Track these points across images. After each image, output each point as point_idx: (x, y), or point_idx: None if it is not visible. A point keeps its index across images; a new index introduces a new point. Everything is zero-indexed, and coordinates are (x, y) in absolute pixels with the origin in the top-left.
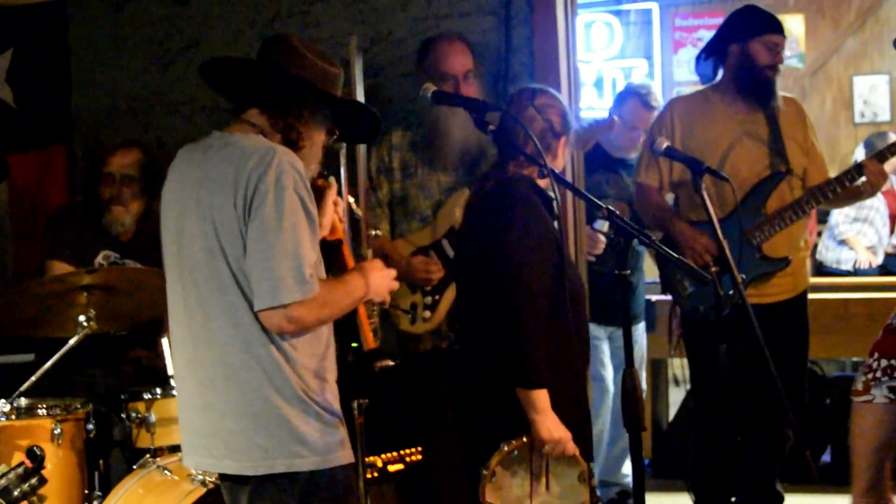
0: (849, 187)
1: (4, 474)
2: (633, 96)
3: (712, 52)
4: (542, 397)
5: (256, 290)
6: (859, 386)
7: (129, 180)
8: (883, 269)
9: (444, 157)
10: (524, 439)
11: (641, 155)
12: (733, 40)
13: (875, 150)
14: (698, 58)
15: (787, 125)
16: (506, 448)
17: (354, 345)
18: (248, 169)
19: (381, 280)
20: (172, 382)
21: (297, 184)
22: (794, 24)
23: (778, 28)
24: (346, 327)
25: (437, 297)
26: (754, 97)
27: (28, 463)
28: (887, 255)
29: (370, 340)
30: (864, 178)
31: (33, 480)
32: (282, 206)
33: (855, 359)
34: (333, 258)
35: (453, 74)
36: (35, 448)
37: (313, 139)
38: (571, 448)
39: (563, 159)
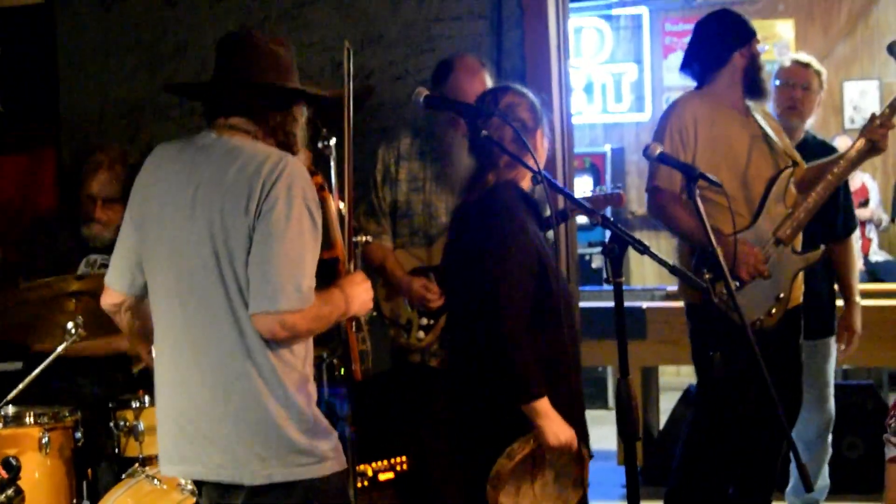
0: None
1: None
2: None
3: (706, 60)
4: (543, 404)
5: (254, 293)
6: None
7: (111, 202)
8: (871, 276)
9: (453, 180)
10: (531, 442)
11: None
12: (737, 46)
13: None
14: (689, 65)
15: (767, 122)
16: (516, 458)
17: (343, 371)
18: (263, 176)
19: (361, 294)
20: None
21: (306, 194)
22: (784, 30)
23: None
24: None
25: (432, 321)
26: (759, 97)
27: (3, 474)
28: (875, 263)
29: (358, 371)
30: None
31: (9, 491)
32: (290, 213)
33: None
34: (330, 277)
35: None
36: (10, 458)
37: (299, 122)
38: (576, 445)
39: (544, 150)
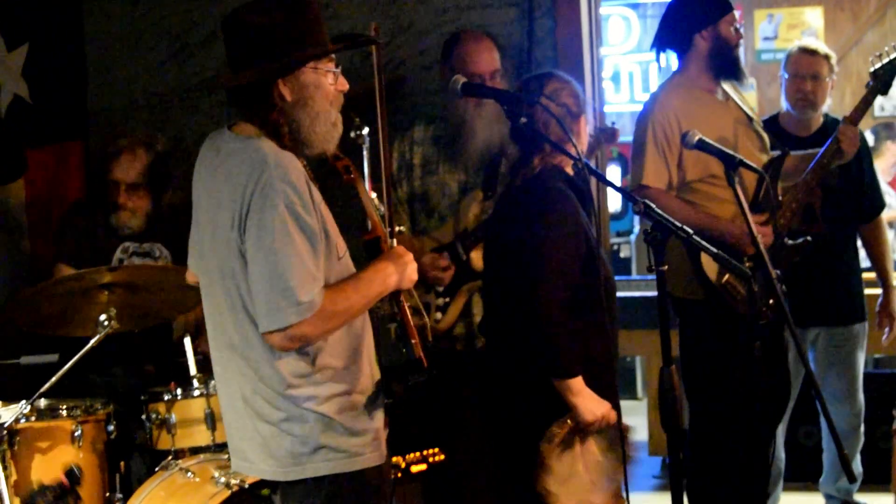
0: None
1: (40, 492)
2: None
3: (670, 44)
4: (577, 382)
5: (257, 313)
6: None
7: (135, 187)
8: None
9: (466, 155)
10: (568, 422)
11: (643, 154)
12: (699, 28)
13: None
14: (660, 51)
15: (745, 104)
16: (555, 439)
17: (404, 350)
18: (242, 188)
19: (403, 267)
20: (194, 382)
21: (287, 198)
22: (813, 17)
23: (731, 4)
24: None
25: (447, 299)
26: (732, 79)
27: (66, 483)
28: None
29: (418, 348)
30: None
31: (69, 500)
32: (268, 226)
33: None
34: (374, 257)
35: (480, 74)
36: (74, 468)
37: (286, 110)
38: (613, 417)
39: (587, 136)
